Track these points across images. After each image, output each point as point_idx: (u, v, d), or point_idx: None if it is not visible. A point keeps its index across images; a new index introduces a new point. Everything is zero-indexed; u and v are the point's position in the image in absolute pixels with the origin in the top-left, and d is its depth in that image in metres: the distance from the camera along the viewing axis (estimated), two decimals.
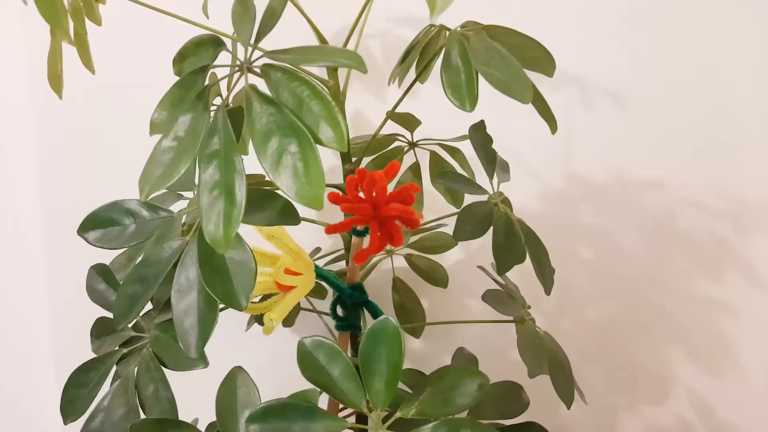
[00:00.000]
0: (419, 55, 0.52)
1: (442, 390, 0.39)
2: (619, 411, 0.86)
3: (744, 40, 0.73)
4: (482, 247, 0.85)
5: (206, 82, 0.39)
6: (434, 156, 0.66)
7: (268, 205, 0.42)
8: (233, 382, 0.44)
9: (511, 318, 0.59)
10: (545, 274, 0.51)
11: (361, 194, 0.47)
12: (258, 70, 0.38)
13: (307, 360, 0.40)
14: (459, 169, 0.66)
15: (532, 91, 0.43)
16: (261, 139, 0.36)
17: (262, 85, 0.38)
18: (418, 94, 0.78)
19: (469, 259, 0.86)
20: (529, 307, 0.65)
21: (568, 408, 0.57)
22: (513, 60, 0.45)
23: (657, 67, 0.76)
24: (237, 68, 0.39)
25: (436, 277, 0.79)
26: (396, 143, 0.67)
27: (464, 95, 0.44)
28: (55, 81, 0.46)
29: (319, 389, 0.40)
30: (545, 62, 0.51)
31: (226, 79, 0.48)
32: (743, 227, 0.79)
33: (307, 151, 0.35)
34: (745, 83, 0.74)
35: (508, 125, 0.71)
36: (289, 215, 0.42)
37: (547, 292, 0.51)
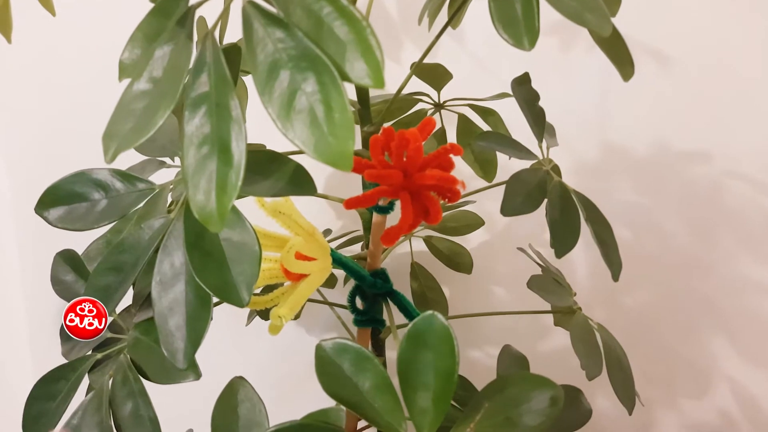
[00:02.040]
0: None
1: (503, 406, 0.30)
2: (657, 406, 0.79)
3: None
4: (508, 227, 0.76)
5: (190, 3, 0.29)
6: (463, 119, 0.57)
7: (274, 171, 0.33)
8: (233, 397, 0.34)
9: (559, 308, 0.50)
10: (612, 256, 0.42)
11: (388, 160, 0.37)
12: None
13: (328, 369, 0.30)
14: None
15: (611, 21, 0.33)
16: (265, 75, 0.26)
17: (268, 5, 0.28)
18: (437, 51, 0.69)
19: (494, 241, 0.77)
20: (575, 295, 0.56)
21: (630, 414, 0.49)
22: None
23: (705, 29, 0.67)
24: None
25: (460, 262, 0.70)
26: (419, 106, 0.57)
27: (521, 29, 0.34)
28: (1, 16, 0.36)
29: (343, 407, 0.30)
30: None
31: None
32: None
33: (329, 89, 0.25)
34: None
35: (538, 89, 0.63)
36: (302, 183, 0.33)
37: (615, 277, 0.42)
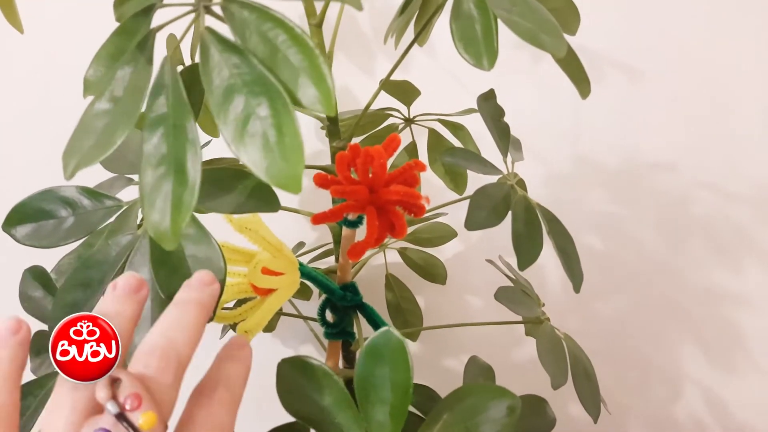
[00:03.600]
0: (418, 9, 0.43)
1: (462, 416, 0.30)
2: (630, 411, 0.80)
3: (763, 17, 0.66)
4: (482, 238, 0.77)
5: (151, 26, 0.30)
6: (433, 134, 0.58)
7: (236, 187, 0.33)
8: None
9: (528, 318, 0.51)
10: (573, 268, 0.43)
11: (355, 176, 0.38)
12: (218, 10, 0.29)
13: (287, 386, 0.31)
14: None
15: (566, 42, 0.34)
16: (221, 99, 0.27)
17: (225, 30, 0.29)
18: (410, 65, 0.69)
19: (468, 252, 0.78)
20: (543, 305, 0.57)
21: (595, 422, 0.50)
22: (539, 5, 0.36)
23: (673, 43, 0.69)
24: (192, 7, 0.29)
25: (434, 273, 0.71)
26: (390, 120, 0.58)
27: (481, 49, 0.35)
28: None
29: (305, 424, 0.31)
30: (569, 15, 0.43)
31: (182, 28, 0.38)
32: (762, 214, 0.73)
33: (281, 114, 0.26)
34: (765, 62, 0.67)
35: (511, 100, 0.65)
36: (264, 199, 0.33)
37: (576, 289, 0.43)
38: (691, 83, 0.70)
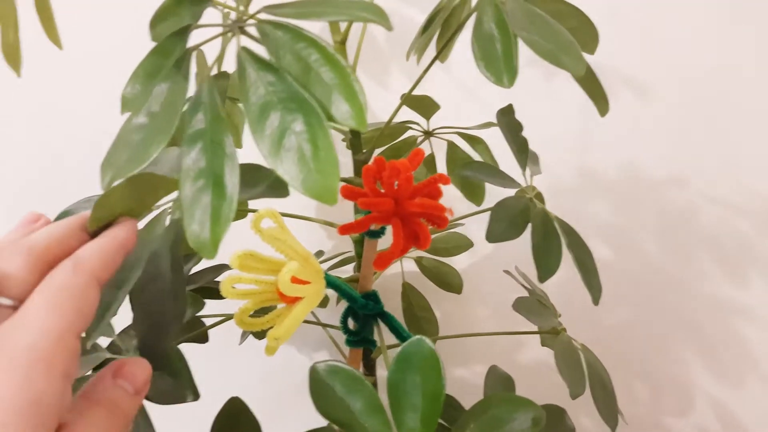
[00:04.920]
0: (440, 28, 0.45)
1: (488, 426, 0.31)
2: (638, 423, 0.80)
3: None
4: (496, 248, 0.78)
5: (187, 46, 0.31)
6: (451, 147, 0.59)
7: (257, 180, 0.35)
8: (232, 417, 0.36)
9: (545, 329, 0.52)
10: (592, 281, 0.43)
11: (379, 188, 0.39)
12: (253, 31, 0.30)
13: (321, 391, 0.32)
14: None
15: (585, 62, 0.35)
16: (257, 115, 0.28)
17: (260, 50, 0.30)
18: (427, 79, 0.71)
19: (482, 263, 0.79)
20: (560, 316, 0.58)
21: (613, 431, 0.50)
22: (558, 25, 0.37)
23: (681, 58, 0.70)
24: (227, 28, 0.31)
25: (450, 282, 0.71)
26: (409, 133, 0.59)
27: (501, 68, 0.36)
28: (10, 53, 0.38)
29: (336, 426, 0.32)
30: (587, 34, 0.44)
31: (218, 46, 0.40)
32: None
33: (316, 130, 0.27)
34: None
35: (521, 114, 0.66)
36: (277, 188, 0.35)
37: (596, 302, 0.44)
38: (698, 98, 0.71)
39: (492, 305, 0.80)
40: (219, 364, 0.77)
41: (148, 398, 0.35)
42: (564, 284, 0.76)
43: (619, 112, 0.71)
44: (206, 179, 0.29)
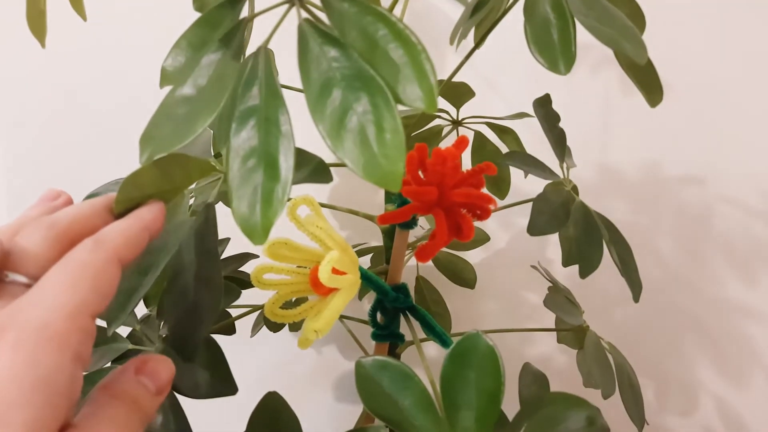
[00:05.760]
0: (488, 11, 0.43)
1: (542, 425, 0.30)
2: (646, 423, 0.80)
3: None
4: (509, 243, 0.76)
5: (240, 16, 0.29)
6: (479, 137, 0.57)
7: (300, 164, 0.33)
8: (275, 415, 0.33)
9: (572, 326, 0.51)
10: (632, 277, 0.42)
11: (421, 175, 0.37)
12: (317, 1, 0.28)
13: (368, 386, 0.30)
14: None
15: (646, 49, 0.34)
16: (318, 93, 0.26)
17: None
18: (446, 68, 0.69)
19: (495, 257, 0.77)
20: (583, 312, 0.56)
21: (640, 431, 0.49)
22: (616, 10, 0.36)
23: (700, 57, 0.69)
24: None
25: (464, 277, 0.70)
26: (436, 121, 0.57)
27: (556, 53, 0.35)
28: (37, 21, 0.36)
29: (385, 425, 0.30)
30: (635, 23, 0.42)
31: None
32: None
33: (381, 111, 0.25)
34: None
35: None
36: (322, 173, 0.34)
37: (636, 298, 0.42)
38: (716, 98, 0.70)
39: (505, 300, 0.79)
40: (229, 355, 0.75)
41: (181, 392, 0.33)
42: (571, 280, 0.75)
43: (637, 108, 0.71)
44: (257, 159, 0.27)
